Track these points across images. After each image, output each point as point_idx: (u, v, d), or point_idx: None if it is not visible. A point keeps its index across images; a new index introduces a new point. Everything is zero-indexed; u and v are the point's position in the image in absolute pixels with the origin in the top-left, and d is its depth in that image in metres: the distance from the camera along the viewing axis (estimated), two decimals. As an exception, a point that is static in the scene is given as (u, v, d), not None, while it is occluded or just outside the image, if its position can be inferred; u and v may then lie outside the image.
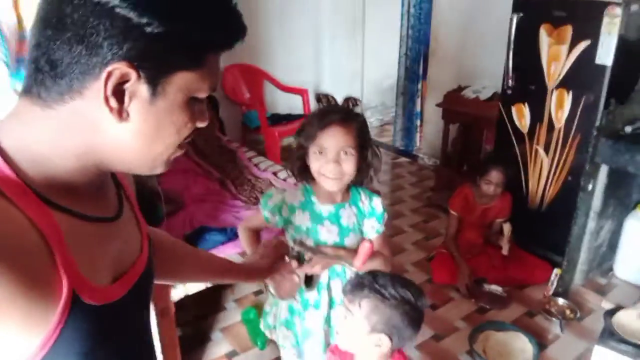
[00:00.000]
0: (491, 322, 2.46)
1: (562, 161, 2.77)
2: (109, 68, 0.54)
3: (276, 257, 1.30)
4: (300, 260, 1.36)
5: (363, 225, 1.46)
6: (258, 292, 2.73)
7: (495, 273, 2.83)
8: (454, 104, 3.62)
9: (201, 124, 0.65)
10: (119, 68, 0.54)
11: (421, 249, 3.20)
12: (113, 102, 0.55)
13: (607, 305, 2.60)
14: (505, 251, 2.79)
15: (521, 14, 2.73)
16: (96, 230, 0.63)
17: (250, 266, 1.28)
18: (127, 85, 0.55)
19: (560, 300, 2.62)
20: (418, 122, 4.69)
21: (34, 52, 0.55)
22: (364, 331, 1.15)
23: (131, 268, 0.70)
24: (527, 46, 2.73)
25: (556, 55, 2.63)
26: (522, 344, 2.29)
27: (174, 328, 2.01)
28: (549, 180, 2.86)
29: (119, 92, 0.55)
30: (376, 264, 1.41)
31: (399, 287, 1.15)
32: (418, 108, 4.64)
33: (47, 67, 0.55)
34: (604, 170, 2.52)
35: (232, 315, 2.56)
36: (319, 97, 4.82)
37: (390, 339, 1.14)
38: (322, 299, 1.47)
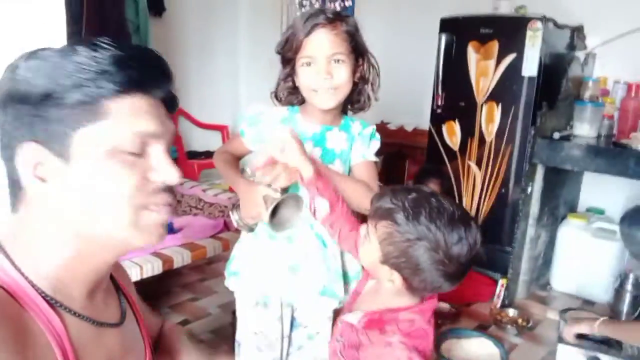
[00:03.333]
0: (452, 329, 2.28)
1: (494, 174, 2.80)
2: (18, 154, 0.57)
3: None
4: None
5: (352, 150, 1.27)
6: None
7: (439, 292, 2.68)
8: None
9: (161, 177, 0.62)
10: (26, 149, 0.57)
11: (359, 275, 2.99)
12: (37, 184, 0.58)
13: (552, 314, 2.56)
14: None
15: (448, 34, 2.86)
16: (102, 335, 0.64)
17: None
18: (43, 163, 0.58)
19: (511, 311, 2.53)
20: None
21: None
22: (377, 258, 0.93)
23: None
24: (456, 64, 2.84)
25: (484, 71, 2.75)
26: (489, 349, 2.12)
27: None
28: (483, 195, 2.87)
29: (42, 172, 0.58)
30: (347, 187, 1.17)
31: (435, 218, 0.86)
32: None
33: (5, 181, 0.61)
34: (540, 173, 2.58)
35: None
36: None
37: (405, 280, 0.90)
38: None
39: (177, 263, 1.74)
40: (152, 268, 1.64)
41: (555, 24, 2.58)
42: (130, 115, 0.58)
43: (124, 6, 3.40)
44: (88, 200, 0.58)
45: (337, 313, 1.36)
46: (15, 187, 0.60)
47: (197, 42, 4.16)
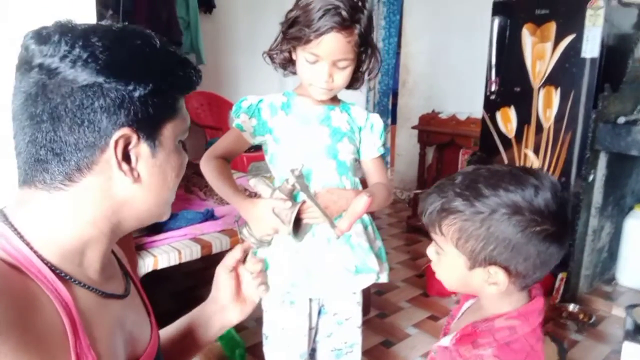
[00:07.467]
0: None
1: (553, 162, 2.65)
2: (115, 137, 0.58)
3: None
4: (294, 198, 1.09)
5: (361, 139, 1.25)
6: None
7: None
8: (430, 125, 3.53)
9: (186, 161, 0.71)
10: (123, 135, 0.58)
11: (409, 267, 2.93)
12: (125, 166, 0.60)
13: (617, 311, 2.39)
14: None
15: (501, 17, 2.73)
16: (108, 306, 0.65)
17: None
18: (130, 148, 0.60)
19: (571, 306, 2.39)
20: (388, 159, 4.58)
21: (30, 148, 0.58)
22: (462, 268, 0.77)
23: (141, 357, 0.70)
24: (510, 48, 2.71)
25: (541, 54, 2.60)
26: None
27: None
28: (541, 185, 2.73)
29: (125, 157, 0.60)
30: (378, 201, 1.17)
31: (497, 184, 0.72)
32: (388, 143, 4.54)
33: (50, 156, 0.57)
34: (603, 160, 2.42)
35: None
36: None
37: (506, 270, 0.73)
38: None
39: (216, 248, 1.74)
40: (191, 253, 1.65)
41: (620, 2, 2.41)
42: (184, 109, 0.67)
43: (175, 3, 3.48)
44: (159, 186, 0.64)
45: (366, 296, 1.31)
46: (74, 167, 0.58)
47: (246, 39, 4.21)
